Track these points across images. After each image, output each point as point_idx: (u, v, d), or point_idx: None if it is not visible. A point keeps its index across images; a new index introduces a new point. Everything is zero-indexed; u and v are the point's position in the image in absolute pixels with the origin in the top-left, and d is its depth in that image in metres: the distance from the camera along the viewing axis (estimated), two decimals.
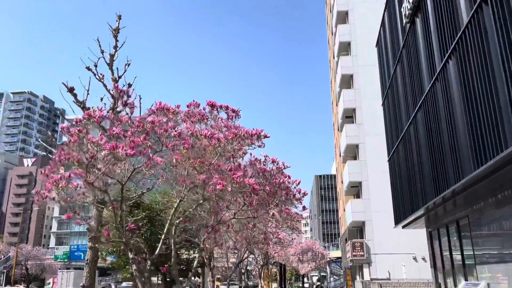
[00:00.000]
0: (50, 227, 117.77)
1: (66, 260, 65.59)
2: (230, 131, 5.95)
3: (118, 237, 6.42)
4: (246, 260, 14.09)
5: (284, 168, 7.07)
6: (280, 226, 12.41)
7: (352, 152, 36.75)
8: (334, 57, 48.12)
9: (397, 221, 18.66)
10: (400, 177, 17.13)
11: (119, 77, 9.21)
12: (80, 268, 51.25)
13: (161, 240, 6.93)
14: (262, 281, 23.36)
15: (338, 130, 44.53)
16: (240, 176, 5.50)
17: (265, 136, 6.35)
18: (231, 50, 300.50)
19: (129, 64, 9.64)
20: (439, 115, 11.45)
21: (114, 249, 16.88)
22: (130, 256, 6.43)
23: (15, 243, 73.96)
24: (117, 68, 9.13)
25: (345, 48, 38.78)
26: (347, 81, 37.62)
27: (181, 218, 6.50)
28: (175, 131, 5.97)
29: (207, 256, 10.66)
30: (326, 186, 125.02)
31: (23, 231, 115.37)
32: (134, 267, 6.46)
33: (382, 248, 32.55)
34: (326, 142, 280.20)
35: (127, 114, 6.59)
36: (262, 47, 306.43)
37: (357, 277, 37.58)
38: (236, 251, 10.31)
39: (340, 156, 44.44)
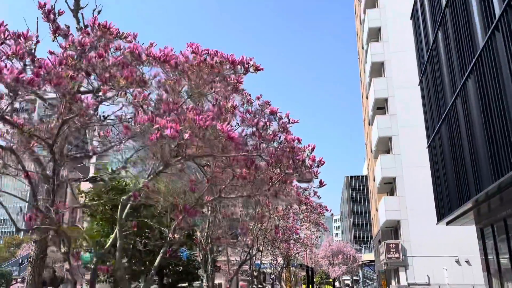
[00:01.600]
0: None
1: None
2: (198, 57, 3.82)
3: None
4: (255, 259, 11.85)
5: (290, 123, 4.83)
6: (297, 216, 10.20)
7: (385, 146, 33.89)
8: (363, 47, 45.33)
9: (440, 217, 16.02)
10: (444, 164, 14.52)
11: (86, 27, 7.20)
12: None
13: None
14: (283, 284, 21.02)
15: (369, 124, 41.68)
16: (206, 117, 3.35)
17: (257, 68, 4.16)
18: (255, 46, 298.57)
19: (99, 11, 7.69)
20: (498, 75, 8.95)
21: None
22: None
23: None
24: (82, 14, 7.15)
25: (375, 34, 36.03)
26: (377, 69, 34.84)
27: (130, 193, 4.39)
28: (116, 56, 3.91)
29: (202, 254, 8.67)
30: (357, 187, 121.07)
31: None
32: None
33: (420, 250, 29.57)
34: (357, 142, 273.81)
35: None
36: (288, 43, 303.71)
37: (392, 281, 34.60)
38: (239, 249, 8.29)
39: (371, 152, 41.59)
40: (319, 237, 17.84)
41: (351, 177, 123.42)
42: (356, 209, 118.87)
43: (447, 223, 15.97)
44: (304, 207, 10.76)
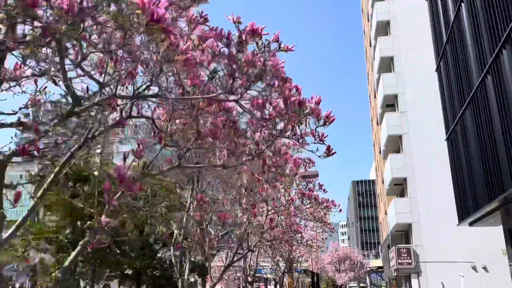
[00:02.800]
0: None
1: None
2: None
3: None
4: (250, 261, 10.12)
5: (280, 50, 3.16)
6: (299, 211, 8.50)
7: (395, 145, 32.07)
8: (370, 44, 43.67)
9: (462, 217, 14.23)
10: (468, 156, 12.77)
11: None
12: None
13: None
14: None
15: (377, 124, 39.91)
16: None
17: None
18: None
19: None
20: None
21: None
22: None
23: None
24: None
25: (383, 28, 34.35)
26: (387, 65, 33.11)
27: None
28: None
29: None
30: (364, 192, 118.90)
31: None
32: None
33: (433, 255, 27.67)
34: (363, 147, 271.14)
35: None
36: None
37: None
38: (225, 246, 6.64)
39: (380, 153, 39.79)
40: (325, 238, 15.98)
41: (357, 182, 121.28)
42: (363, 215, 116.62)
43: (470, 224, 14.18)
44: (308, 201, 9.08)
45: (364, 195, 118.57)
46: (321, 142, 3.97)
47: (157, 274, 11.90)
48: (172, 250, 6.04)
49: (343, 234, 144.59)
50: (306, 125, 3.79)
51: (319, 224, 12.54)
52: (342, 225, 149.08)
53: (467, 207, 13.43)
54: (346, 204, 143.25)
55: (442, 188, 28.57)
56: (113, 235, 12.37)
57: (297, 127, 3.83)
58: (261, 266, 18.19)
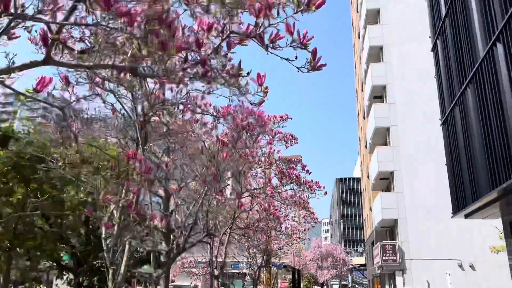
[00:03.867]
0: None
1: None
2: None
3: None
4: (217, 251, 8.59)
5: None
6: (276, 192, 7.06)
7: (382, 138, 30.93)
8: (359, 37, 42.53)
9: (457, 208, 12.99)
10: (468, 140, 11.52)
11: None
12: None
13: None
14: (262, 286, 17.51)
15: (364, 117, 38.78)
16: None
17: None
18: None
19: None
20: None
21: None
22: None
23: None
24: None
25: (373, 17, 33.15)
26: (376, 55, 31.91)
27: None
28: None
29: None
30: (348, 189, 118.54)
31: None
32: None
33: (419, 252, 26.61)
34: (348, 144, 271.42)
35: None
36: None
37: (387, 286, 31.61)
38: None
39: (366, 147, 38.69)
40: (308, 229, 14.46)
41: (341, 179, 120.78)
42: (347, 212, 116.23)
43: (466, 216, 12.95)
44: (288, 181, 7.64)
45: (348, 192, 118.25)
46: (302, 47, 2.51)
47: (95, 266, 10.14)
48: (103, 232, 4.52)
49: (326, 232, 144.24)
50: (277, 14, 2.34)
51: (302, 212, 11.11)
52: (325, 223, 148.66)
53: (464, 197, 12.19)
54: (329, 202, 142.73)
55: (429, 183, 27.53)
56: (46, 214, 10.75)
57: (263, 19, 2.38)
58: (238, 260, 16.68)
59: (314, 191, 7.79)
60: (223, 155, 4.66)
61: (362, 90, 40.28)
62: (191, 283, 21.34)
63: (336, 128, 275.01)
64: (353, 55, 53.09)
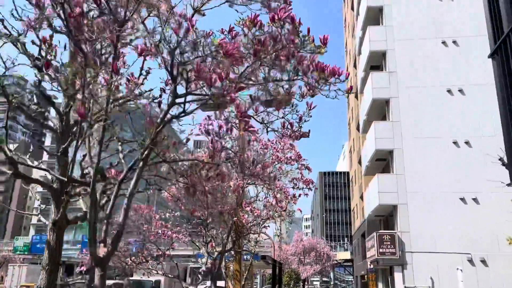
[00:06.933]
0: (31, 219, 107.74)
1: (26, 252, 55.98)
2: None
3: None
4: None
5: None
6: None
7: (380, 112, 26.76)
8: (352, 8, 38.35)
9: None
10: None
11: None
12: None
13: None
14: (229, 283, 12.89)
15: (356, 97, 34.58)
16: None
17: None
18: None
19: None
20: None
21: None
22: None
23: None
24: None
25: None
26: (374, 17, 27.68)
27: None
28: None
29: None
30: (331, 183, 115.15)
31: (1, 221, 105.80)
32: None
33: (422, 244, 22.59)
34: (331, 139, 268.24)
35: None
36: None
37: (380, 285, 27.56)
38: None
39: (357, 129, 34.56)
40: (299, 196, 9.97)
41: (325, 173, 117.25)
42: (329, 207, 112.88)
43: None
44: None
45: (331, 186, 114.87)
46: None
47: None
48: None
49: (306, 228, 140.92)
50: None
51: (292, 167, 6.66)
52: (306, 218, 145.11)
53: None
54: (311, 197, 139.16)
55: (435, 163, 23.52)
56: None
57: None
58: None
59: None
60: None
61: (355, 66, 36.12)
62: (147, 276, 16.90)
63: (320, 120, 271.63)
64: (343, 33, 48.96)
